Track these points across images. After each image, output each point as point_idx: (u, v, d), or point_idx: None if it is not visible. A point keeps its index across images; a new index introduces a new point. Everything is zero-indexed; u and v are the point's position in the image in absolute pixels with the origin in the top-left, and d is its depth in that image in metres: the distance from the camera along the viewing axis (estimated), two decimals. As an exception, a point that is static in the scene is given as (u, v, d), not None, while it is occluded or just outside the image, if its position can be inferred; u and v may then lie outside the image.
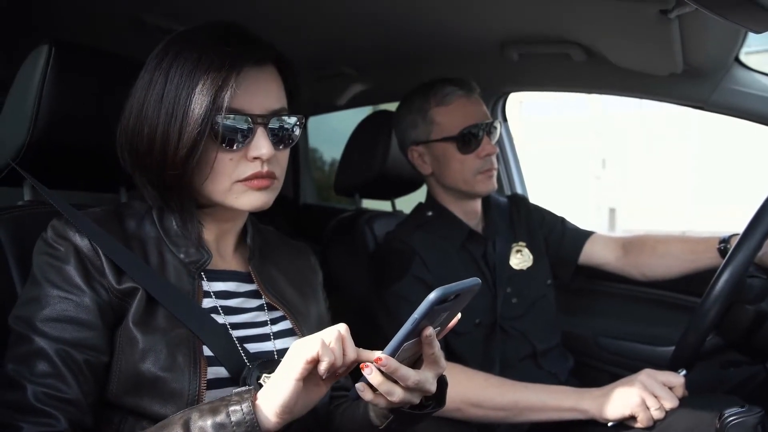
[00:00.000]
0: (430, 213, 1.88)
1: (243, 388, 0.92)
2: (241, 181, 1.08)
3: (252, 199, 1.09)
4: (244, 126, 1.06)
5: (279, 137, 1.11)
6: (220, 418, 0.88)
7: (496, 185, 1.84)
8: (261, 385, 1.04)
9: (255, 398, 0.90)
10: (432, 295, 0.85)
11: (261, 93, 1.08)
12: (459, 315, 0.98)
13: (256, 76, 1.08)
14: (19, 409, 0.94)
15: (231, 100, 1.03)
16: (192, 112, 1.02)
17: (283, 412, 0.88)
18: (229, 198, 1.09)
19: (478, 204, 1.91)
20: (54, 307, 0.99)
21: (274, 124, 1.10)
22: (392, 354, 0.89)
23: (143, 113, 1.07)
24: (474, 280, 0.91)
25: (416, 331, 0.89)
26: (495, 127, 1.81)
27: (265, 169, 1.08)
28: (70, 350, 0.98)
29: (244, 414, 0.88)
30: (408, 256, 1.75)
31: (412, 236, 1.81)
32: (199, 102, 1.02)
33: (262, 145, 1.06)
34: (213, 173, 1.07)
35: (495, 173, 1.82)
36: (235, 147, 1.06)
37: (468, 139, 1.76)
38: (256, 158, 1.07)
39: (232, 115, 1.04)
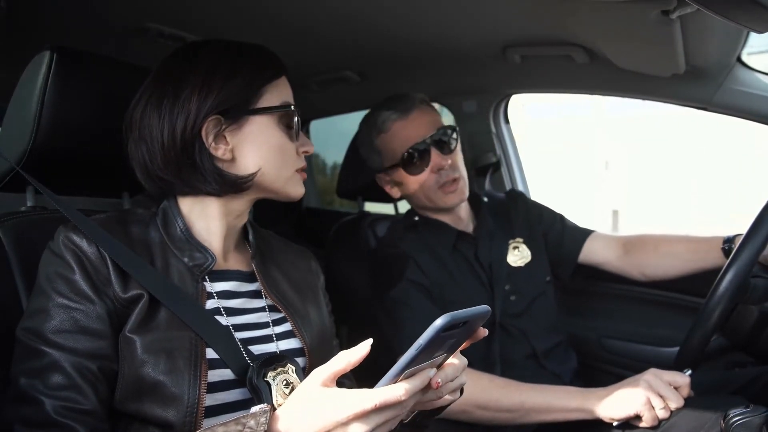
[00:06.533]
0: (416, 218, 1.89)
1: (258, 409, 0.90)
2: (298, 171, 1.22)
3: (301, 187, 1.24)
4: (298, 123, 1.21)
5: None
6: None
7: (465, 195, 1.82)
8: (268, 384, 1.06)
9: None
10: (439, 321, 0.81)
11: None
12: (467, 342, 0.96)
13: (287, 85, 1.23)
14: (39, 424, 0.94)
15: (288, 99, 1.21)
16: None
17: None
18: (288, 186, 1.21)
19: (461, 209, 1.89)
20: (65, 318, 1.00)
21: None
22: (396, 376, 0.85)
23: None
24: (484, 308, 0.89)
25: (424, 356, 0.85)
26: (450, 136, 1.78)
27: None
28: (84, 361, 0.98)
29: None
30: (402, 261, 1.75)
31: (403, 240, 1.82)
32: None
33: (308, 141, 1.24)
34: (283, 159, 1.18)
35: (461, 182, 1.79)
36: (295, 139, 1.21)
37: (413, 160, 1.75)
38: (304, 152, 1.23)
39: (294, 112, 1.20)
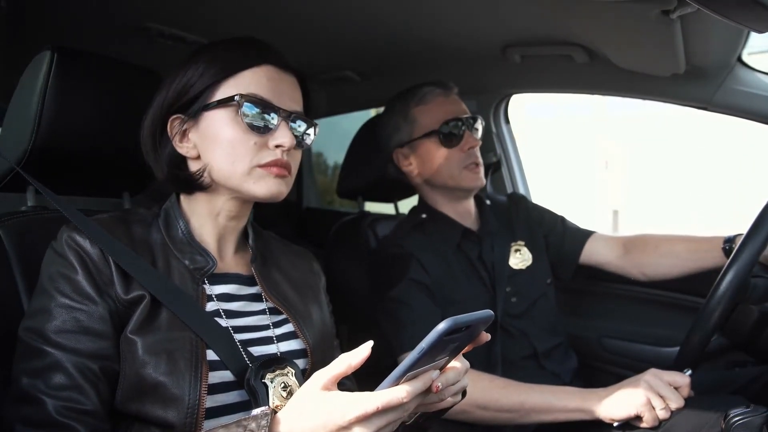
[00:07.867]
0: (423, 215, 1.89)
1: (259, 412, 0.90)
2: (261, 166, 1.11)
3: (269, 185, 1.13)
4: (271, 115, 1.12)
5: (296, 137, 1.15)
6: None
7: (484, 181, 1.85)
8: (266, 385, 1.05)
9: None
10: (441, 326, 0.81)
11: (285, 92, 1.16)
12: (470, 346, 0.96)
13: (281, 78, 1.16)
14: (40, 424, 0.94)
15: (259, 90, 1.12)
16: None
17: None
18: (247, 182, 1.12)
19: (470, 204, 1.91)
20: (67, 318, 1.00)
21: (293, 122, 1.15)
22: (398, 378, 0.85)
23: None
24: (487, 313, 0.88)
25: (426, 359, 0.85)
26: (477, 125, 1.84)
27: (285, 158, 1.13)
28: (86, 361, 0.98)
29: None
30: (405, 260, 1.75)
31: (406, 239, 1.81)
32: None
33: (285, 134, 1.12)
34: (235, 154, 1.11)
35: (481, 168, 1.83)
36: (259, 132, 1.11)
37: (450, 133, 1.79)
38: (277, 146, 1.12)
39: (260, 103, 1.11)
